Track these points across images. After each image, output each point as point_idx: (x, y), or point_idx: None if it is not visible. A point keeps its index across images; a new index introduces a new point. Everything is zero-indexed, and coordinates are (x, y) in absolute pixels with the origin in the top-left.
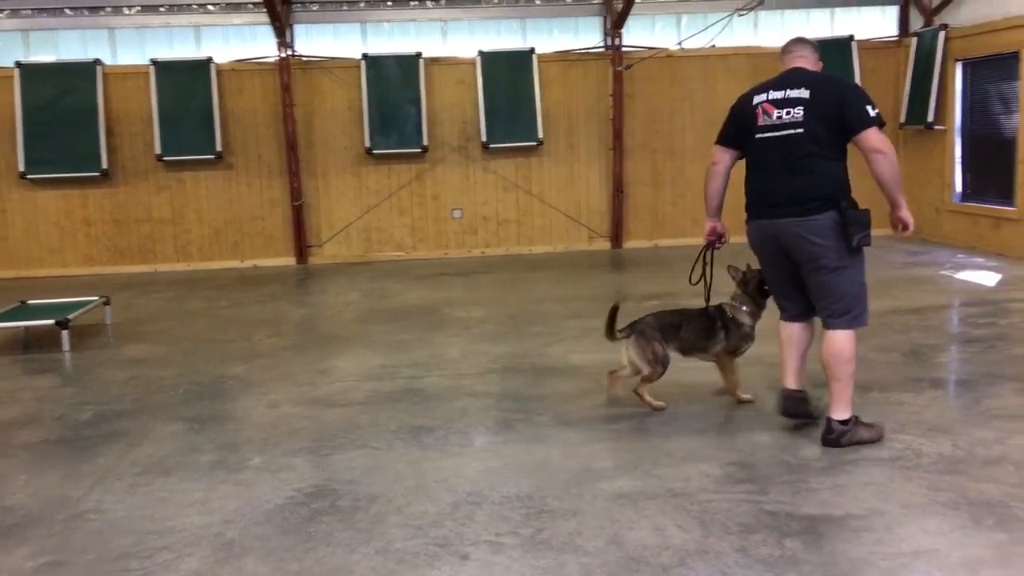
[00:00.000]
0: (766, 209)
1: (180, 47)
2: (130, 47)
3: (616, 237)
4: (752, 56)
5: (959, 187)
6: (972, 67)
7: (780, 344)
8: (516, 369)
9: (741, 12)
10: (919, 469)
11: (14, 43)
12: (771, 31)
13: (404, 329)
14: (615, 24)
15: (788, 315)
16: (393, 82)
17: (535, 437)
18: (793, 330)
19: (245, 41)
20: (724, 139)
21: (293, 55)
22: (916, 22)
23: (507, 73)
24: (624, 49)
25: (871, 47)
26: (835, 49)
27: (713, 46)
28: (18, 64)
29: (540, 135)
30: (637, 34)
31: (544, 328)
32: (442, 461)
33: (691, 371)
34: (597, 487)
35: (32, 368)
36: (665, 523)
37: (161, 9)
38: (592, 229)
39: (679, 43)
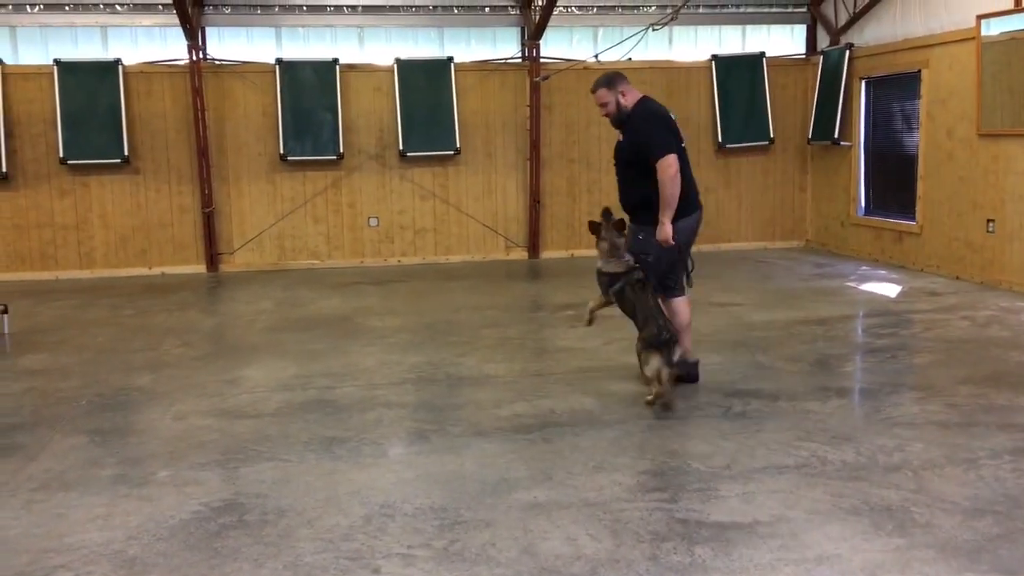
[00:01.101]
0: (697, 202)
1: (86, 47)
2: (33, 46)
3: (533, 247)
4: (666, 70)
5: (863, 201)
6: (876, 85)
7: (685, 317)
8: (431, 379)
9: (656, 27)
10: (824, 476)
11: None
12: (685, 46)
13: (318, 338)
14: (533, 35)
15: (678, 293)
16: (309, 88)
17: (449, 448)
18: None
19: (155, 42)
20: (672, 148)
21: (205, 58)
22: (823, 41)
23: (425, 81)
24: (542, 60)
25: (781, 64)
26: (747, 65)
27: (629, 59)
28: None
29: (458, 144)
30: (555, 46)
31: (460, 337)
32: (354, 473)
33: (612, 380)
34: (511, 497)
35: None
36: (578, 532)
37: (66, 8)
38: (509, 239)
39: (595, 55)
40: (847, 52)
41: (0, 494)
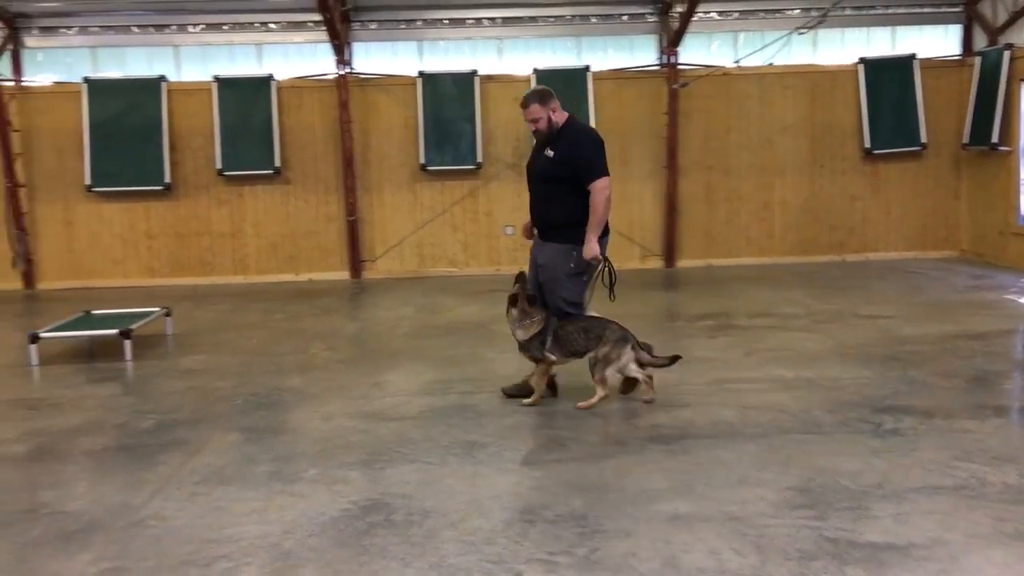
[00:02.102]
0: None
1: (243, 64)
2: (194, 64)
3: (669, 256)
4: (810, 74)
5: None
6: None
7: None
8: (567, 387)
9: (802, 31)
10: (984, 498)
11: (83, 59)
12: (831, 49)
13: (456, 344)
14: (671, 42)
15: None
16: (449, 99)
17: (588, 456)
18: None
19: (305, 58)
20: (607, 171)
21: (351, 72)
22: (980, 41)
23: (562, 90)
24: (680, 67)
25: (933, 66)
26: (897, 68)
27: (771, 64)
28: (86, 80)
29: None
30: (693, 52)
31: None
32: (495, 477)
33: (753, 393)
34: (651, 508)
35: (95, 377)
36: (721, 547)
37: (224, 27)
38: (645, 247)
39: (736, 61)
40: (1007, 53)
41: (166, 486)
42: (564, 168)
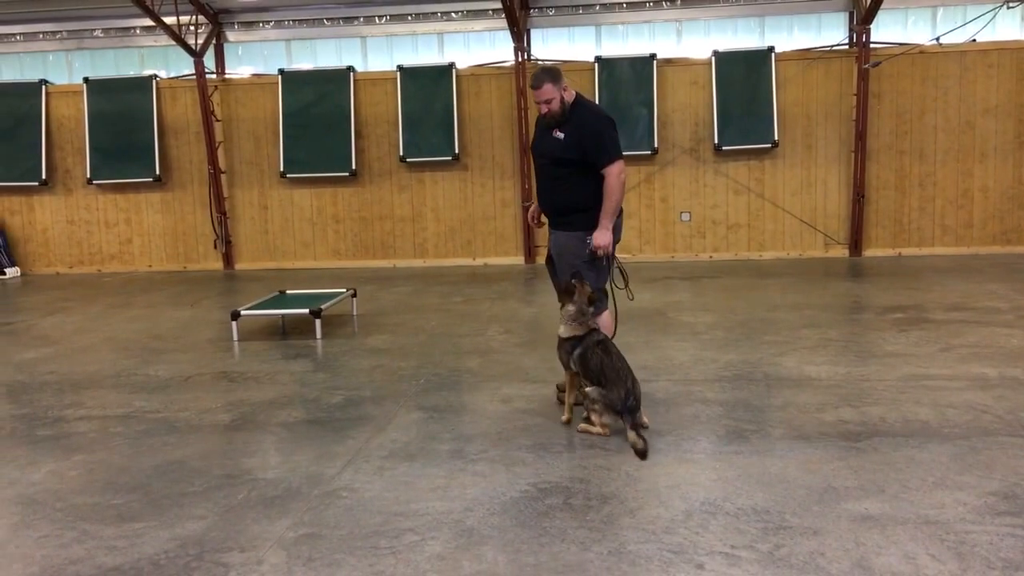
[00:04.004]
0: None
1: (425, 53)
2: (380, 54)
3: (855, 244)
4: (1017, 51)
5: None
6: None
7: (610, 333)
8: (748, 378)
9: (1011, 4)
10: None
11: (278, 52)
12: None
13: (631, 332)
14: (863, 20)
15: (603, 307)
16: (626, 84)
17: (770, 450)
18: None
19: (484, 47)
20: (622, 153)
21: (529, 59)
22: None
23: (743, 73)
24: (872, 45)
25: None
26: None
27: (974, 41)
28: (281, 72)
29: (776, 136)
30: (886, 29)
31: (777, 337)
32: (674, 467)
33: (952, 391)
34: (840, 507)
35: (289, 353)
36: (916, 551)
37: (408, 18)
38: (829, 235)
39: (936, 38)
40: None
41: (356, 459)
42: (575, 150)
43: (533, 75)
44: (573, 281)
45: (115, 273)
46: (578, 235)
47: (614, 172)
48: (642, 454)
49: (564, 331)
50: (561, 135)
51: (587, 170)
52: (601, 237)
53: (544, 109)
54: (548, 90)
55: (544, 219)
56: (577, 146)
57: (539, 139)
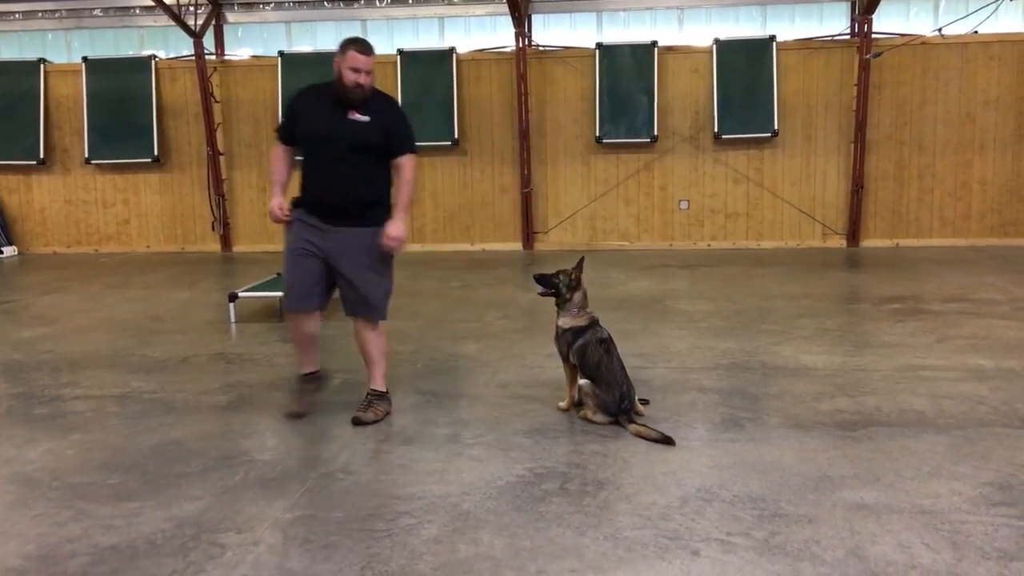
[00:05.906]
0: None
1: (426, 37)
2: (380, 37)
3: (853, 235)
4: (1020, 44)
5: None
6: None
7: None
8: (744, 366)
9: None
10: None
11: (278, 34)
12: None
13: (628, 319)
14: (865, 9)
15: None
16: (626, 71)
17: (766, 438)
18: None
19: (485, 31)
20: None
21: (530, 44)
22: None
23: (744, 62)
24: (873, 36)
25: None
26: None
27: (975, 32)
28: (281, 54)
29: (775, 126)
30: (888, 20)
31: (774, 326)
32: (670, 454)
33: (947, 381)
34: (835, 495)
35: (286, 335)
36: (911, 540)
37: (409, 1)
38: (827, 225)
39: (938, 29)
40: None
41: (352, 443)
42: (379, 135)
43: (360, 40)
44: (578, 271)
45: (112, 253)
46: (375, 231)
47: (413, 163)
48: (667, 440)
49: (565, 322)
50: (365, 118)
51: (382, 159)
52: (400, 229)
53: (362, 79)
54: (370, 62)
55: (288, 214)
56: (381, 131)
57: (327, 121)
